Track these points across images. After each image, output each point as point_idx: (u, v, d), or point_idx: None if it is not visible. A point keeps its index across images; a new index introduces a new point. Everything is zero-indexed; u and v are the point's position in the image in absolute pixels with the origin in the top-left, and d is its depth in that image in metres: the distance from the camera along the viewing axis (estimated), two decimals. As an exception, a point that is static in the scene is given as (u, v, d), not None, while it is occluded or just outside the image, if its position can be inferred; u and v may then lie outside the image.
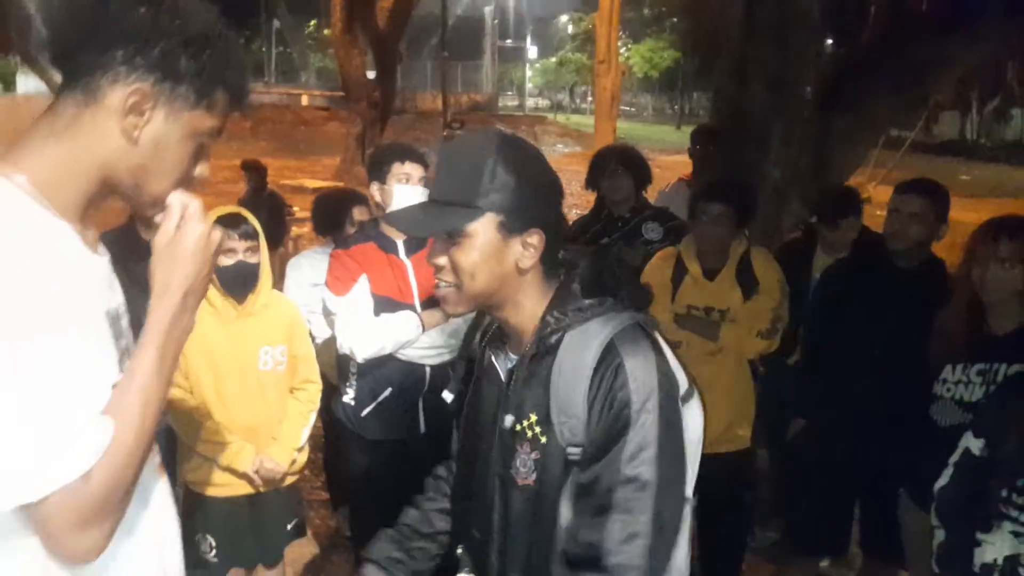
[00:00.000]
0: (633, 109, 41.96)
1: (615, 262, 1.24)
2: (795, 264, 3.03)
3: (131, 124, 0.95)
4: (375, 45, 13.81)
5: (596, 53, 21.12)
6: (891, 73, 3.99)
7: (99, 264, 1.01)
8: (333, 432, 2.58)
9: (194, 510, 2.35)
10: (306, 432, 2.47)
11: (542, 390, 1.14)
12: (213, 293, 2.25)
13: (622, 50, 29.66)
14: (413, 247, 2.44)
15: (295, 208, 9.53)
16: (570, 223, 3.51)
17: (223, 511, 2.37)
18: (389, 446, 2.49)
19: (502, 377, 1.23)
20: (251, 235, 2.27)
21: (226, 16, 1.01)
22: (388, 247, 2.45)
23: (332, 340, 2.54)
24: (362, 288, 2.40)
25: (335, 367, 2.66)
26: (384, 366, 2.43)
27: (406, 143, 2.62)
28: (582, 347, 1.12)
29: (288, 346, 2.42)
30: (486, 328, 1.32)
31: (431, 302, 2.46)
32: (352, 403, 2.50)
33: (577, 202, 12.43)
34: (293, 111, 23.35)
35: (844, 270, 2.73)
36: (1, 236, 0.86)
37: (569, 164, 17.81)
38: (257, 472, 2.33)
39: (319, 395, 2.53)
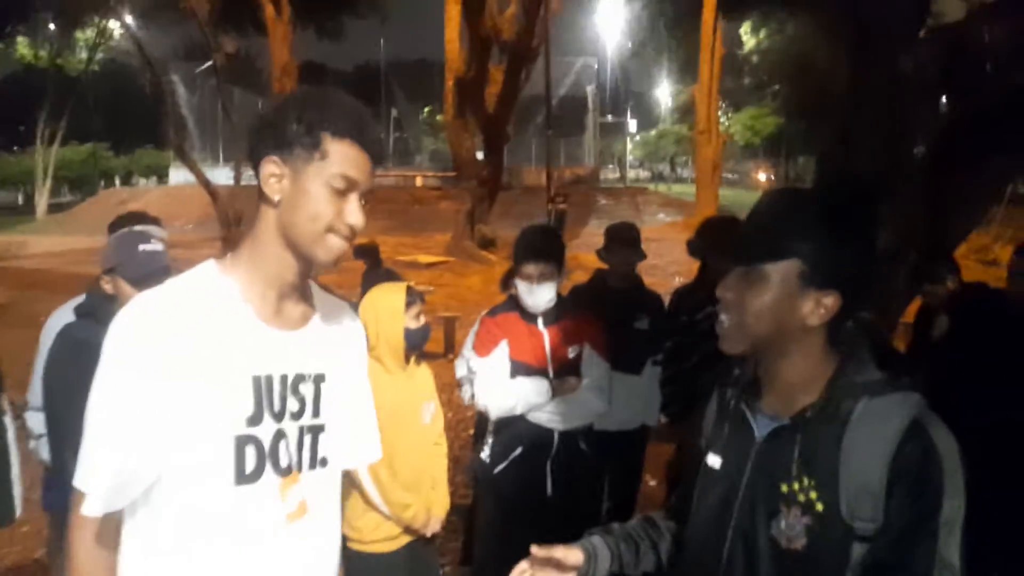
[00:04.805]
0: (736, 176, 41.47)
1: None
2: None
3: (271, 190, 1.16)
4: (485, 127, 14.58)
5: (696, 123, 21.27)
6: (1011, 127, 3.86)
7: (273, 337, 1.20)
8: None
9: (354, 566, 2.44)
10: (447, 487, 2.66)
11: (826, 456, 1.09)
12: (386, 354, 2.46)
13: (723, 119, 29.67)
14: (551, 319, 2.67)
15: (411, 283, 10.00)
16: (673, 291, 3.58)
17: (391, 563, 2.48)
18: (518, 505, 2.62)
19: (756, 432, 1.19)
20: (424, 300, 2.56)
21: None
22: (529, 318, 2.67)
23: None
24: (502, 352, 2.64)
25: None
26: (515, 426, 2.62)
27: (539, 238, 2.70)
28: (881, 420, 1.07)
29: (435, 402, 2.63)
30: (736, 379, 1.27)
31: (563, 371, 2.65)
32: (488, 460, 2.68)
33: (680, 270, 12.40)
34: (408, 191, 24.71)
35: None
36: (182, 316, 1.14)
37: (671, 233, 17.82)
38: (425, 527, 2.49)
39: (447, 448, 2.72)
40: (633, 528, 1.38)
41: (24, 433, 2.57)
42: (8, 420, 2.53)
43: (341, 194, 1.16)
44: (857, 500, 1.06)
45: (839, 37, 4.15)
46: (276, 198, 1.16)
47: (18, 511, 2.42)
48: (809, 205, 1.15)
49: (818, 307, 1.11)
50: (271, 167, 1.16)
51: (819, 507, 1.08)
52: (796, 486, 1.11)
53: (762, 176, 40.35)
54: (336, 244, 1.17)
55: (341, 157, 1.16)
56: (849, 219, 1.13)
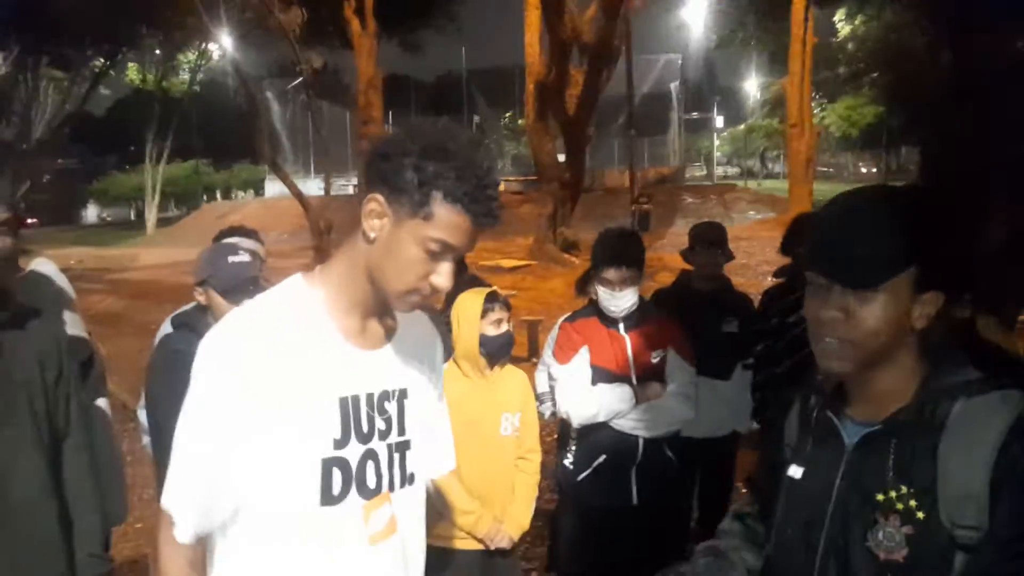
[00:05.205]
0: (833, 170, 39.77)
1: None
2: None
3: (369, 226, 1.12)
4: (565, 130, 14.53)
5: (788, 117, 20.50)
6: None
7: (358, 356, 1.19)
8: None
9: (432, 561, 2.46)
10: (532, 505, 2.58)
11: (923, 462, 1.04)
12: (463, 359, 2.44)
13: (816, 111, 28.49)
14: (633, 323, 2.61)
15: (494, 287, 10.11)
16: (764, 292, 3.46)
17: (461, 562, 2.47)
18: (603, 514, 2.60)
19: (846, 440, 1.14)
20: (509, 307, 2.50)
21: (433, 113, 1.15)
22: (610, 322, 2.62)
23: None
24: (583, 358, 2.60)
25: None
26: (598, 433, 2.58)
27: (619, 243, 2.63)
28: (981, 422, 1.02)
29: (523, 413, 2.55)
30: (819, 386, 1.22)
31: (647, 376, 2.60)
32: (571, 467, 2.66)
33: (771, 270, 11.93)
34: (489, 196, 24.84)
35: None
36: (272, 331, 1.15)
37: (761, 231, 17.22)
38: (490, 540, 2.44)
39: (540, 465, 2.64)
40: (708, 568, 1.29)
41: (129, 435, 2.74)
42: (111, 422, 2.69)
43: (435, 256, 1.12)
44: (959, 507, 1.01)
45: (942, 20, 3.92)
46: (372, 235, 1.13)
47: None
48: (912, 207, 1.06)
49: (927, 309, 1.06)
50: (375, 204, 1.12)
51: (920, 515, 1.04)
52: (893, 494, 1.06)
53: (862, 168, 38.57)
54: (414, 301, 1.16)
55: (446, 223, 1.10)
56: (954, 215, 1.07)
